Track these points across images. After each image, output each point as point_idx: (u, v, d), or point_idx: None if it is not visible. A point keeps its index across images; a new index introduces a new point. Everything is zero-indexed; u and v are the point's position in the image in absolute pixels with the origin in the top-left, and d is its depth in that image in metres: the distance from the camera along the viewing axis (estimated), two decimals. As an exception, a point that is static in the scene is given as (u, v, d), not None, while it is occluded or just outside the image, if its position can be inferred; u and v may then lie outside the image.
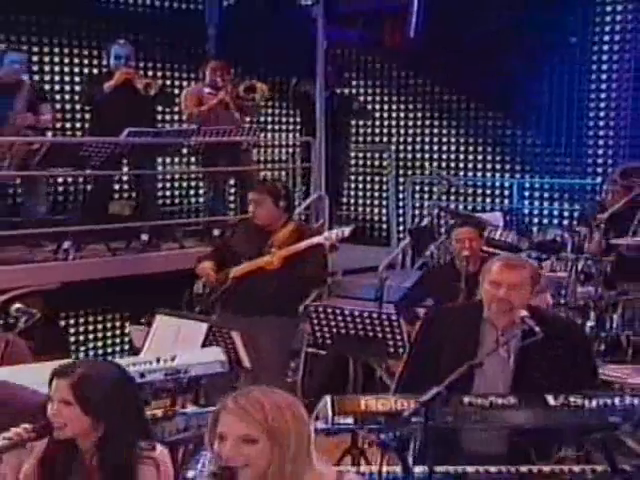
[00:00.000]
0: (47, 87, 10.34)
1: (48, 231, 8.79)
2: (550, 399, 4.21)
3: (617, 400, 4.25)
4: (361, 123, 11.91)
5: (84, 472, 3.61)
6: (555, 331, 4.73)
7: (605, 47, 10.44)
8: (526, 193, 10.67)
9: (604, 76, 10.42)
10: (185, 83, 11.03)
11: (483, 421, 4.28)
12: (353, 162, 11.83)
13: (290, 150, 11.48)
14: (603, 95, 10.46)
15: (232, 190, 10.21)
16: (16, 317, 5.53)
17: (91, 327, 10.12)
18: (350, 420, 4.27)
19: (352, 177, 11.86)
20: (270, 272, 6.78)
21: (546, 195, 10.62)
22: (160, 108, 9.97)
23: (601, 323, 7.36)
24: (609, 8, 10.37)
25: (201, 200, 10.80)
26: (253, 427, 3.06)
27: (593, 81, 10.51)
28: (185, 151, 10.41)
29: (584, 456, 4.50)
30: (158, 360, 5.03)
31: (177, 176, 11.02)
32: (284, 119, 12.15)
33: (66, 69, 10.57)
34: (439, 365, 4.47)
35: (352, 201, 11.81)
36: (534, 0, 10.48)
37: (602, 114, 10.47)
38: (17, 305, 5.65)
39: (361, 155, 11.87)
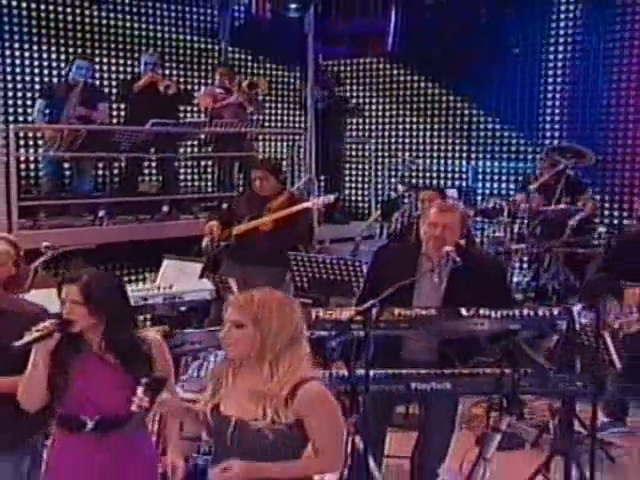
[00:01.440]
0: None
1: (88, 202, 9.01)
2: (463, 311, 4.28)
3: (517, 312, 4.37)
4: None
5: (95, 358, 3.60)
6: (478, 264, 4.89)
7: (560, 47, 10.07)
8: (479, 176, 10.54)
9: (559, 72, 10.08)
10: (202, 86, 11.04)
11: (410, 328, 4.35)
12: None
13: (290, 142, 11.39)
14: (558, 88, 10.09)
15: (237, 171, 10.20)
16: (44, 252, 5.72)
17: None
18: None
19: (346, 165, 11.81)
20: (264, 231, 6.98)
21: (495, 177, 10.45)
22: (179, 104, 9.98)
23: (532, 275, 7.50)
24: (563, 7, 10.01)
25: (212, 179, 10.80)
26: (243, 315, 3.14)
27: (549, 76, 10.15)
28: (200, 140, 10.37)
29: (496, 362, 4.48)
30: (159, 288, 5.22)
31: (194, 160, 11.02)
32: (285, 112, 12.14)
33: (105, 75, 10.62)
34: (384, 289, 4.43)
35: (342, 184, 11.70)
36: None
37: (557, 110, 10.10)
38: (45, 243, 5.85)
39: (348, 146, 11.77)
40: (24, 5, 9.83)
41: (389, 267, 4.81)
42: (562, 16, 10.08)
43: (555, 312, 4.33)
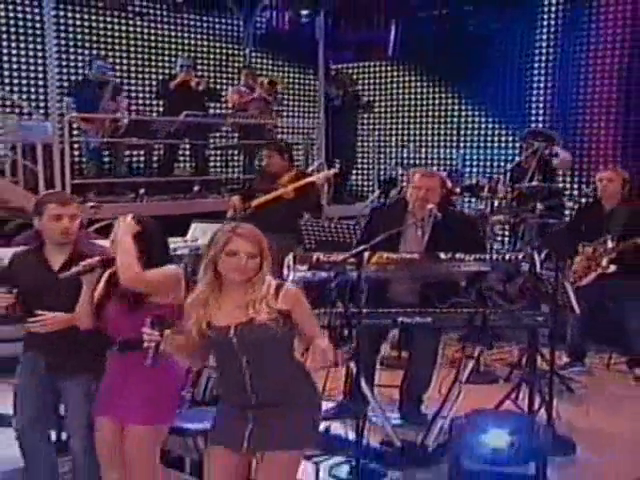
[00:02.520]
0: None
1: (131, 181, 9.19)
2: (442, 255, 4.39)
3: (487, 256, 4.50)
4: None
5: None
6: (455, 219, 5.05)
7: (544, 43, 9.94)
8: (467, 162, 10.60)
9: (542, 64, 9.98)
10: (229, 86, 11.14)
11: (396, 270, 4.47)
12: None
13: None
14: (542, 79, 10.00)
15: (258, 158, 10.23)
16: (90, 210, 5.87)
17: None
18: (305, 267, 4.45)
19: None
20: (285, 200, 7.07)
21: (481, 163, 10.52)
22: (208, 100, 10.08)
23: (510, 242, 7.57)
24: (553, 8, 9.86)
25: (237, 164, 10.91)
26: (255, 248, 3.20)
27: (535, 68, 10.05)
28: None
29: (471, 303, 4.58)
30: (186, 241, 5.38)
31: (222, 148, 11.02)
32: (301, 107, 12.22)
33: (146, 75, 10.81)
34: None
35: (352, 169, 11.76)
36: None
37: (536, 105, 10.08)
38: (90, 203, 6.01)
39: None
40: (80, 17, 10.00)
41: (380, 222, 4.93)
42: (545, 24, 9.94)
43: (520, 257, 4.47)
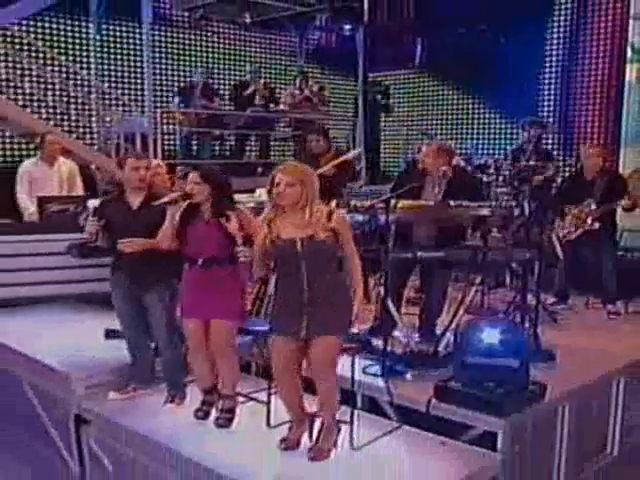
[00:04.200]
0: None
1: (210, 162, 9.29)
2: (451, 202, 4.52)
3: (487, 203, 4.67)
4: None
5: (204, 220, 3.91)
6: (464, 179, 5.17)
7: (547, 56, 9.85)
8: (479, 150, 10.39)
9: (546, 74, 9.86)
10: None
11: (417, 214, 4.62)
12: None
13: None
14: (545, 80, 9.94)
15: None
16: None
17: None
18: (344, 211, 4.47)
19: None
20: (325, 176, 7.19)
21: (490, 152, 10.31)
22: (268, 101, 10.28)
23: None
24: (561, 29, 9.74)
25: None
26: (293, 178, 3.42)
27: (536, 77, 9.98)
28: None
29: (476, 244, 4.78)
30: (252, 197, 5.61)
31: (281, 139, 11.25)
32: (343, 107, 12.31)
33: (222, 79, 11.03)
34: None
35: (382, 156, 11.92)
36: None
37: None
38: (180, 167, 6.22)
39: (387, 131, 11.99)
40: (170, 35, 10.27)
41: (407, 181, 4.95)
42: (548, 42, 9.84)
43: (513, 204, 4.65)
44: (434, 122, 11.41)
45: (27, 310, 6.22)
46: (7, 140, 8.74)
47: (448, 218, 4.61)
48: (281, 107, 10.37)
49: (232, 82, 10.62)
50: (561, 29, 9.69)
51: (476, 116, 10.82)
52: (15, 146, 8.79)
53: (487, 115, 10.67)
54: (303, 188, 3.43)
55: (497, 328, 3.86)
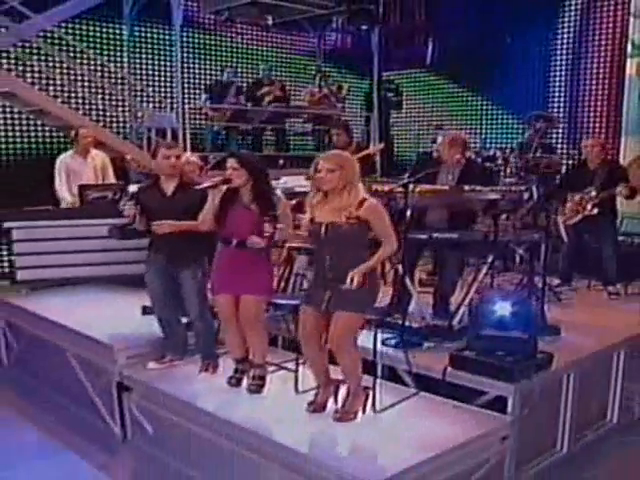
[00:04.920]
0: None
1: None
2: (465, 187, 4.57)
3: (498, 187, 4.73)
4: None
5: (243, 205, 4.01)
6: (476, 167, 5.24)
7: (552, 53, 9.59)
8: (487, 145, 10.02)
9: (551, 71, 9.64)
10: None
11: (431, 198, 4.65)
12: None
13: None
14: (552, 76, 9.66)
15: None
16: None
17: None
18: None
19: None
20: None
21: (497, 146, 9.69)
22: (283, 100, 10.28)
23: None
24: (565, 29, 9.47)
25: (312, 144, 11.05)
26: (333, 164, 3.53)
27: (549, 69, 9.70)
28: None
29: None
30: (277, 184, 5.70)
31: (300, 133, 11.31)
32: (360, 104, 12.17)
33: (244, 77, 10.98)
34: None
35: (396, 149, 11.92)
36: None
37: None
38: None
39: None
40: (197, 36, 10.27)
41: (423, 169, 4.98)
42: (554, 40, 9.58)
43: (523, 189, 4.72)
44: (443, 118, 11.26)
45: (66, 290, 6.42)
46: (47, 133, 8.88)
47: (461, 202, 4.67)
48: (299, 103, 10.45)
49: (251, 80, 10.64)
50: (568, 28, 9.50)
51: (484, 112, 10.77)
52: (54, 139, 8.93)
53: (495, 111, 10.61)
54: (342, 174, 3.52)
55: (509, 301, 3.95)
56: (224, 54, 10.66)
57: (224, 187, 4.06)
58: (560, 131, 8.74)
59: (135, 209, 4.35)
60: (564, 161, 8.40)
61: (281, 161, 9.69)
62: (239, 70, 10.53)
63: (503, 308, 3.94)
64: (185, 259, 4.41)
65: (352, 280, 3.47)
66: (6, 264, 6.75)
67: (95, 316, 5.52)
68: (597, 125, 9.10)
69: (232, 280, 4.10)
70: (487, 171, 5.48)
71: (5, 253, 6.82)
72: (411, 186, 4.48)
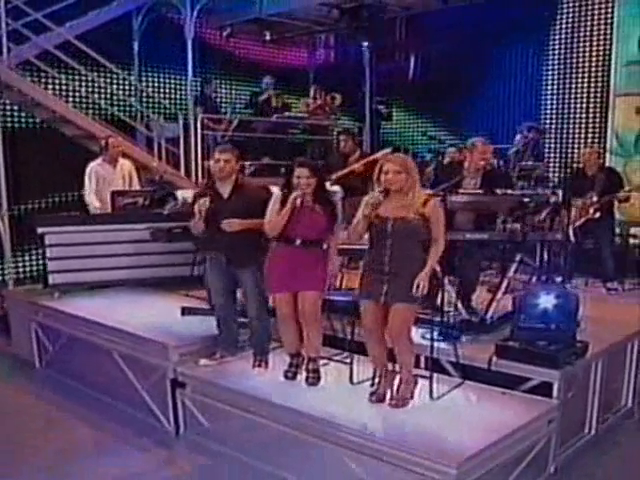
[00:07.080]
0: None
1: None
2: (498, 191, 4.65)
3: (527, 192, 4.87)
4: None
5: (307, 208, 4.04)
6: (495, 172, 5.38)
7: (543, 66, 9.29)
8: None
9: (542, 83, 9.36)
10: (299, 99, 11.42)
11: (462, 201, 4.71)
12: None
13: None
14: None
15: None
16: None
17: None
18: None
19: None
20: (354, 173, 7.25)
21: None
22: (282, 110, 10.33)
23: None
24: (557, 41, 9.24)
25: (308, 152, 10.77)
26: (399, 166, 3.65)
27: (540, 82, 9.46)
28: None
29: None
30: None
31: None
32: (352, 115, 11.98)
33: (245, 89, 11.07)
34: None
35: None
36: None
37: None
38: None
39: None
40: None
41: (444, 175, 5.15)
42: (544, 52, 9.37)
43: (548, 192, 4.87)
44: (428, 126, 11.28)
45: (98, 292, 6.37)
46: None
47: (489, 205, 4.77)
48: (297, 114, 10.50)
49: (252, 91, 10.66)
50: (559, 44, 9.34)
51: (472, 121, 10.75)
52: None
53: (485, 123, 10.59)
54: (408, 175, 3.65)
55: (552, 294, 4.10)
56: (228, 68, 10.66)
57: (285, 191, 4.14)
58: (552, 141, 8.90)
59: (205, 206, 4.32)
60: (553, 169, 8.58)
61: (282, 169, 9.68)
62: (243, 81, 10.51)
63: (547, 301, 4.08)
64: (245, 260, 4.46)
65: (418, 286, 3.58)
66: (33, 267, 6.66)
67: (137, 317, 5.51)
68: (586, 134, 9.29)
69: (292, 278, 4.16)
70: (507, 175, 5.62)
71: (32, 257, 6.74)
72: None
